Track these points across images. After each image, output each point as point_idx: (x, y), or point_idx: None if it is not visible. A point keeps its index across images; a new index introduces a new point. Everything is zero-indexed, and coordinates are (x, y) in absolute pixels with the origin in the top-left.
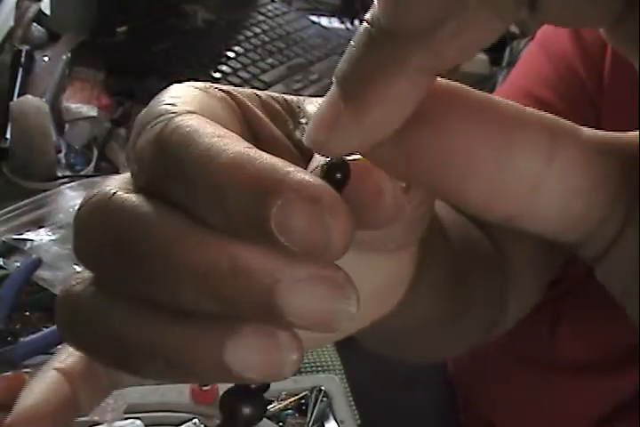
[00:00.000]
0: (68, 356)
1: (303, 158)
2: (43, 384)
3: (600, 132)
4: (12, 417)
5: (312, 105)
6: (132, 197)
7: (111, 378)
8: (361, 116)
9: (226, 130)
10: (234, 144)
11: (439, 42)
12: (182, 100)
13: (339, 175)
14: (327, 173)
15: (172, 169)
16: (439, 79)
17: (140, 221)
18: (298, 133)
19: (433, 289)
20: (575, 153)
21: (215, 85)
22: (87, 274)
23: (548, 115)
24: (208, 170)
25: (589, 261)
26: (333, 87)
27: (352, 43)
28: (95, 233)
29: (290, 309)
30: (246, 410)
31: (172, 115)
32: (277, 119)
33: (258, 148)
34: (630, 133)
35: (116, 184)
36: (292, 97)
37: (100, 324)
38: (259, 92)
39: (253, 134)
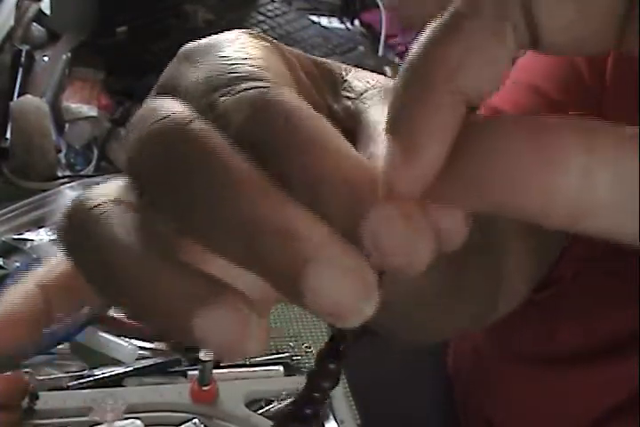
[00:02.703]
0: (50, 270)
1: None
2: (19, 296)
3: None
4: None
5: (358, 81)
6: (213, 133)
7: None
8: (412, 149)
9: (320, 115)
10: (335, 137)
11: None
12: (260, 64)
13: None
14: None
15: (268, 141)
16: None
17: (212, 154)
18: (336, 106)
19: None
20: (612, 140)
21: (266, 38)
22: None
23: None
24: (308, 154)
25: None
26: (387, 136)
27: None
28: (160, 154)
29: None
30: (332, 366)
31: (265, 86)
32: (315, 85)
33: None
34: None
35: (187, 111)
36: (337, 64)
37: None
38: (301, 53)
39: None
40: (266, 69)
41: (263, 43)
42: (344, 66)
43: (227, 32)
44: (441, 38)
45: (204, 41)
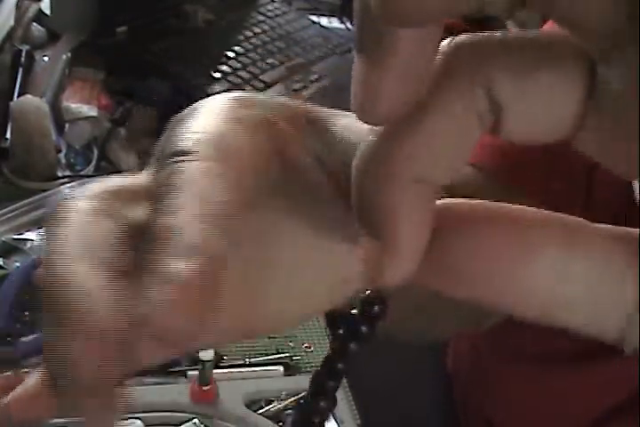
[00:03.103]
0: None
1: (331, 183)
2: None
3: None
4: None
5: (347, 131)
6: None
7: None
8: (391, 249)
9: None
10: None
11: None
12: (206, 139)
13: (376, 308)
14: (364, 306)
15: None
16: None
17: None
18: (325, 156)
19: None
20: (592, 239)
21: (254, 102)
22: None
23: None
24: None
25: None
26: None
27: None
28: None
29: None
30: (323, 404)
31: (185, 164)
32: (307, 137)
33: (285, 172)
34: None
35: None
36: (324, 113)
37: None
38: (307, 109)
39: (281, 161)
40: (202, 144)
41: (239, 113)
42: (331, 113)
43: (216, 97)
44: (404, 129)
45: (192, 107)
